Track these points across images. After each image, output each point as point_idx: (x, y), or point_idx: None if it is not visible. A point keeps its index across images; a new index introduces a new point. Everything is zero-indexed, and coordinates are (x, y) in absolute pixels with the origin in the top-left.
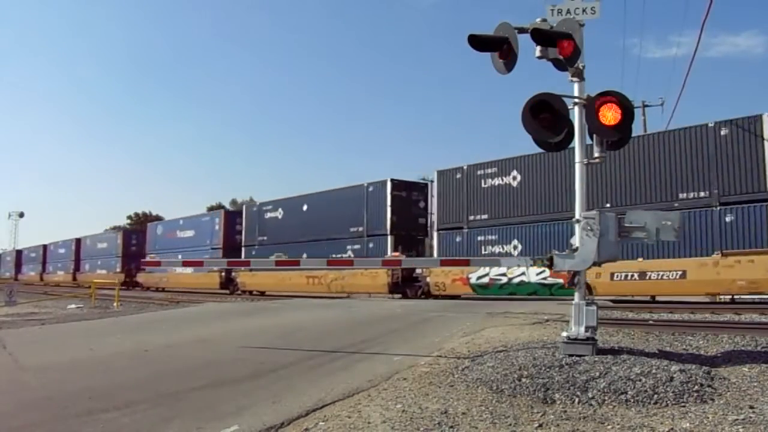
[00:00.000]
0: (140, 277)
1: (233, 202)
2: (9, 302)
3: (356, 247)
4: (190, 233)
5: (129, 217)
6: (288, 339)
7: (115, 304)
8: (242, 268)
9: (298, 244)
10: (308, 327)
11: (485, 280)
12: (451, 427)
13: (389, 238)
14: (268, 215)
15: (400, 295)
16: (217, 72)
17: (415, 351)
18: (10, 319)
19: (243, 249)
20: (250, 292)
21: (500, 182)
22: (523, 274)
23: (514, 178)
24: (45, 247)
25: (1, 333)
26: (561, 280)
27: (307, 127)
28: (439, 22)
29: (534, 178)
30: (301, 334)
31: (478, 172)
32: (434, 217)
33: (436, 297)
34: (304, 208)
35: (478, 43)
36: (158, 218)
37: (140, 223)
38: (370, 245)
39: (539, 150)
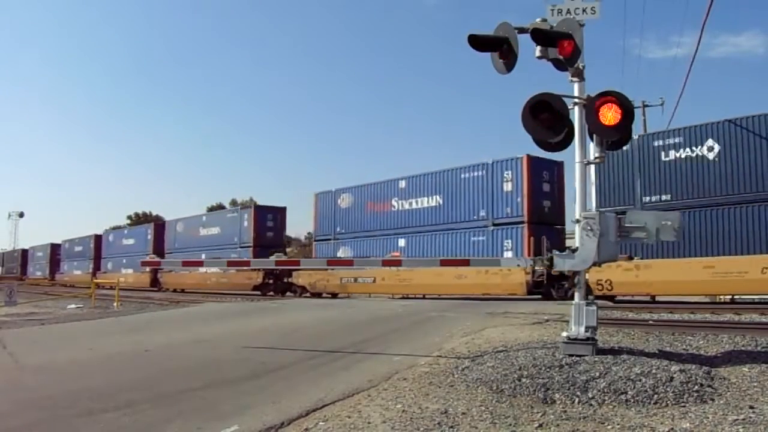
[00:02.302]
0: (300, 278)
1: (233, 202)
2: (9, 302)
3: None
4: (430, 201)
5: (129, 217)
6: (288, 339)
7: (115, 304)
8: None
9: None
10: (308, 327)
11: None
12: (451, 427)
13: None
14: (673, 155)
15: None
16: (217, 72)
17: (415, 351)
18: (9, 319)
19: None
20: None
21: None
22: None
23: None
24: (98, 237)
25: (1, 333)
26: None
27: (307, 127)
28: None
29: None
30: (301, 334)
31: None
32: None
33: None
34: None
35: (478, 43)
36: (158, 218)
37: (140, 224)
38: None
39: None
